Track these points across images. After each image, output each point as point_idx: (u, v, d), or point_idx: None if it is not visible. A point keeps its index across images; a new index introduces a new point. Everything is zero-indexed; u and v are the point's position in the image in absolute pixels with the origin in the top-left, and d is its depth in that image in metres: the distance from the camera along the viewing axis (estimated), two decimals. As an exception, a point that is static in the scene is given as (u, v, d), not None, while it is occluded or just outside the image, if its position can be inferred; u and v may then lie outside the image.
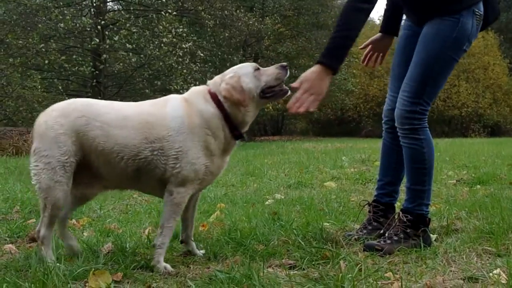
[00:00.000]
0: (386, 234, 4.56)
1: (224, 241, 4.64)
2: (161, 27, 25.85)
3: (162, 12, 26.43)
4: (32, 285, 3.36)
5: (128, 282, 3.62)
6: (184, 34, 27.06)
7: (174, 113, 4.06)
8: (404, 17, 4.92)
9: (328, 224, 5.27)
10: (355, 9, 4.25)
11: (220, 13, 29.36)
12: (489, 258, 3.99)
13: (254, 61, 40.74)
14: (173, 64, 25.48)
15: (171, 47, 25.97)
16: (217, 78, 4.25)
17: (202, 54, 28.09)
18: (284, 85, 4.24)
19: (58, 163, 3.95)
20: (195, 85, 21.24)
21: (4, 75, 21.49)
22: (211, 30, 31.04)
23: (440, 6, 4.40)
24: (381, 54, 5.07)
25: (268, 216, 5.65)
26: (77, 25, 24.37)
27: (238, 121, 4.16)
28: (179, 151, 3.99)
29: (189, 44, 26.50)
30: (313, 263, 3.97)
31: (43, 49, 23.15)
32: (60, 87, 25.99)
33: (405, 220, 4.49)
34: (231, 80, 4.11)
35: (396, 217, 4.66)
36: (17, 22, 22.86)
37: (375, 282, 3.39)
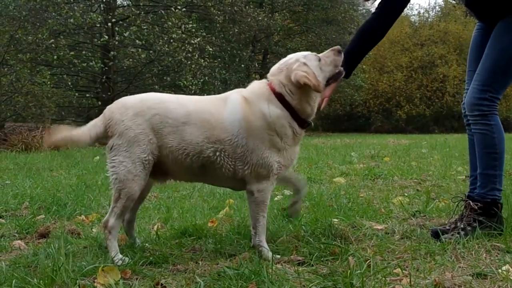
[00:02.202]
0: (461, 225, 4.59)
1: (233, 237, 4.65)
2: (170, 23, 25.86)
3: (172, 8, 26.44)
4: (41, 281, 3.37)
5: (137, 279, 3.63)
6: (194, 30, 27.05)
7: (232, 117, 4.12)
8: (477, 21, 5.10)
9: (337, 220, 5.26)
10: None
11: (229, 8, 29.32)
12: (498, 254, 3.99)
13: (263, 57, 40.78)
14: (182, 59, 25.47)
15: (180, 42, 25.99)
16: (279, 75, 4.25)
17: (211, 50, 28.08)
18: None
19: (138, 159, 4.07)
20: (204, 80, 21.23)
21: (13, 71, 21.51)
22: (220, 26, 31.02)
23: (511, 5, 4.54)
24: (325, 99, 4.74)
25: (277, 212, 5.65)
26: (87, 20, 24.38)
27: (307, 114, 4.25)
28: (243, 154, 4.10)
29: (198, 39, 26.51)
30: (322, 259, 3.96)
31: (53, 45, 23.20)
32: (69, 83, 26.04)
33: (476, 208, 4.56)
34: (303, 68, 4.16)
35: (467, 206, 4.69)
36: (27, 18, 22.89)
37: (383, 278, 3.39)
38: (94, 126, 4.24)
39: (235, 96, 4.24)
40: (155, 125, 4.08)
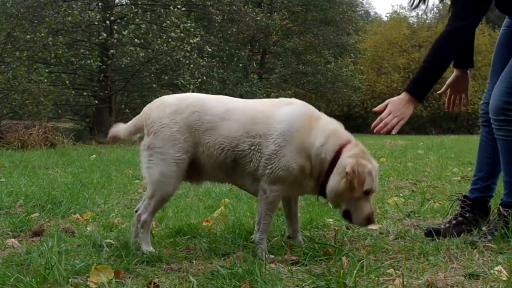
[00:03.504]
0: (485, 229, 4.53)
1: (227, 237, 4.65)
2: (169, 22, 25.79)
3: (171, 7, 26.36)
4: (33, 279, 3.36)
5: (130, 277, 3.62)
6: (192, 29, 26.99)
7: (284, 117, 4.12)
8: (507, 17, 4.82)
9: (331, 220, 5.26)
10: (451, 41, 4.29)
11: (228, 8, 29.30)
12: (491, 255, 3.99)
13: (261, 57, 40.73)
14: (180, 59, 25.40)
15: (178, 42, 25.91)
16: (362, 151, 4.13)
17: (209, 49, 28.09)
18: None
19: (172, 159, 4.13)
20: (202, 80, 21.22)
21: (10, 68, 21.43)
22: (219, 25, 31.00)
23: None
24: (463, 95, 4.88)
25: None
26: (85, 19, 24.35)
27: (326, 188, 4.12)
28: (273, 153, 4.05)
29: (197, 39, 26.44)
30: (316, 259, 3.96)
31: (50, 43, 23.13)
32: (66, 81, 25.94)
33: (506, 214, 4.40)
34: (365, 170, 4.01)
35: (496, 211, 4.57)
36: (25, 16, 22.81)
37: (376, 278, 3.39)
38: (130, 124, 4.44)
39: (300, 102, 4.35)
40: (193, 123, 4.14)
